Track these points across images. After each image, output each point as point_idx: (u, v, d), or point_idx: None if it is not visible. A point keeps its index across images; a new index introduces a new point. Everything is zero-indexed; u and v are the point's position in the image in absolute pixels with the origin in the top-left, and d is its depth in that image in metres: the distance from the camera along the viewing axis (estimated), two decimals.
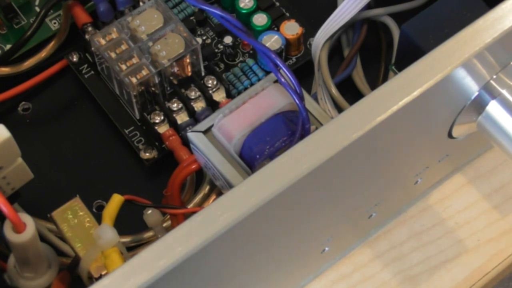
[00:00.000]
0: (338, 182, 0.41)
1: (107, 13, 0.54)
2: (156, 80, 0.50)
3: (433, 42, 0.46)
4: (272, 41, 0.53)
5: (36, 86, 0.54)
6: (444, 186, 0.52)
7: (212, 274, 0.40)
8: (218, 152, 0.45)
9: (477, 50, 0.40)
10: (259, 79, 0.53)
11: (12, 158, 0.44)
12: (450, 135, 0.46)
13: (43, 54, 0.54)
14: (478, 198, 0.52)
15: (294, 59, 0.54)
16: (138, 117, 0.52)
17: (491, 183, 0.52)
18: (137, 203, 0.46)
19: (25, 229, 0.41)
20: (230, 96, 0.52)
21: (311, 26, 0.55)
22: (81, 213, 0.45)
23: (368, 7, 0.54)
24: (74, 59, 0.55)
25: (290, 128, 0.45)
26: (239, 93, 0.52)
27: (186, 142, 0.50)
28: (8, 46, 0.55)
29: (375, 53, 0.55)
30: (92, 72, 0.54)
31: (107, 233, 0.42)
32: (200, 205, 0.50)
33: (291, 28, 0.54)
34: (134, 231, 0.50)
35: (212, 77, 0.52)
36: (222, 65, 0.54)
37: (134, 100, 0.51)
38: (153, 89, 0.51)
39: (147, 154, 0.51)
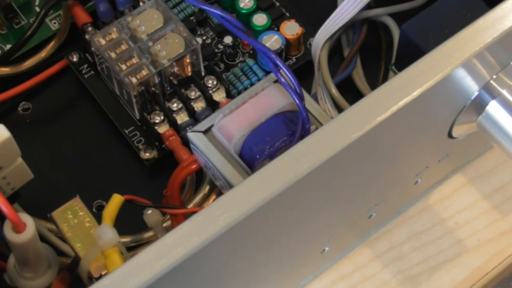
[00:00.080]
0: (338, 182, 0.41)
1: (107, 13, 0.54)
2: (156, 80, 0.50)
3: (433, 42, 0.46)
4: (272, 41, 0.53)
5: (36, 86, 0.54)
6: (444, 186, 0.52)
7: (212, 274, 0.40)
8: (218, 152, 0.45)
9: (477, 50, 0.40)
10: (259, 79, 0.53)
11: (12, 158, 0.44)
12: (450, 135, 0.46)
13: (43, 54, 0.54)
14: (478, 198, 0.52)
15: (294, 59, 0.54)
16: (138, 117, 0.52)
17: (491, 183, 0.52)
18: (137, 203, 0.46)
19: (25, 229, 0.41)
20: (230, 96, 0.52)
21: (311, 26, 0.55)
22: (81, 213, 0.45)
23: (368, 7, 0.54)
24: (74, 59, 0.55)
25: (290, 128, 0.45)
26: (239, 93, 0.52)
27: (186, 142, 0.50)
28: (8, 46, 0.55)
29: (375, 53, 0.55)
30: (92, 72, 0.54)
31: (107, 233, 0.42)
32: (200, 205, 0.50)
33: (291, 28, 0.54)
34: (134, 231, 0.50)
35: (212, 77, 0.52)
36: (222, 65, 0.54)
37: (134, 100, 0.51)
38: (153, 89, 0.51)
39: (147, 154, 0.51)
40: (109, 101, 0.53)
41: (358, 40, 0.54)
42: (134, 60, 0.50)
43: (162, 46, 0.50)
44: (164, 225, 0.49)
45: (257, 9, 0.55)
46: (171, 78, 0.51)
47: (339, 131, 0.38)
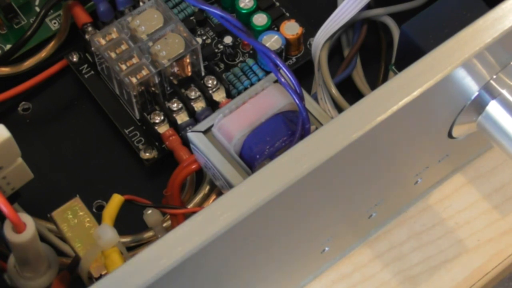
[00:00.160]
0: (338, 182, 0.41)
1: (107, 13, 0.54)
2: (156, 80, 0.50)
3: (433, 42, 0.46)
4: (272, 41, 0.53)
5: (36, 86, 0.54)
6: (444, 186, 0.52)
7: (212, 274, 0.40)
8: (218, 152, 0.45)
9: (477, 50, 0.40)
10: (259, 79, 0.53)
11: (12, 158, 0.44)
12: (450, 135, 0.46)
13: (43, 54, 0.54)
14: (478, 198, 0.52)
15: (294, 59, 0.54)
16: (138, 117, 0.52)
17: (491, 183, 0.52)
18: (137, 203, 0.46)
19: (25, 229, 0.41)
20: (230, 96, 0.52)
21: (311, 26, 0.55)
22: (81, 213, 0.45)
23: (368, 7, 0.54)
24: (74, 59, 0.55)
25: (290, 128, 0.45)
26: (239, 93, 0.52)
27: (186, 142, 0.50)
28: (8, 46, 0.55)
29: (375, 53, 0.55)
30: (92, 72, 0.54)
31: (107, 233, 0.42)
32: (200, 205, 0.50)
33: (291, 28, 0.54)
34: (134, 231, 0.50)
35: (212, 77, 0.52)
36: (222, 65, 0.54)
37: (134, 100, 0.51)
38: (153, 89, 0.51)
39: (147, 154, 0.51)
40: (109, 101, 0.53)
41: (358, 40, 0.54)
42: (134, 60, 0.50)
43: (162, 46, 0.50)
44: (164, 225, 0.49)
45: (257, 9, 0.55)
46: (171, 78, 0.51)
47: (339, 131, 0.38)
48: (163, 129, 0.51)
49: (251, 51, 0.54)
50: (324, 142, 0.38)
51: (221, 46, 0.54)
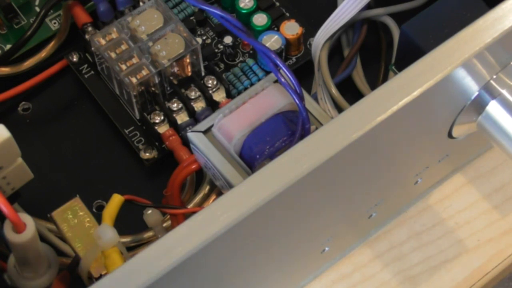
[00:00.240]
0: (338, 182, 0.41)
1: (107, 13, 0.54)
2: (156, 80, 0.50)
3: (433, 42, 0.46)
4: (272, 41, 0.53)
5: (36, 86, 0.54)
6: (444, 186, 0.52)
7: (212, 274, 0.40)
8: (218, 152, 0.45)
9: (477, 50, 0.40)
10: (259, 79, 0.53)
11: (12, 158, 0.44)
12: (450, 135, 0.46)
13: (43, 54, 0.54)
14: (478, 198, 0.52)
15: (294, 59, 0.54)
16: (138, 117, 0.52)
17: (491, 183, 0.52)
18: (137, 203, 0.46)
19: (25, 229, 0.41)
20: (230, 96, 0.52)
21: (311, 26, 0.55)
22: (81, 213, 0.45)
23: (368, 7, 0.54)
24: (74, 59, 0.55)
25: (290, 128, 0.45)
26: (239, 93, 0.52)
27: (186, 142, 0.50)
28: (8, 46, 0.55)
29: (375, 53, 0.55)
30: (92, 72, 0.54)
31: (107, 233, 0.42)
32: (200, 205, 0.50)
33: (291, 28, 0.54)
34: (134, 231, 0.50)
35: (212, 77, 0.52)
36: (222, 65, 0.54)
37: (134, 100, 0.51)
38: (153, 89, 0.51)
39: (147, 154, 0.51)
40: (109, 101, 0.53)
41: (358, 40, 0.54)
42: (134, 60, 0.50)
43: (162, 46, 0.50)
44: (164, 225, 0.49)
45: (257, 9, 0.55)
46: (171, 78, 0.51)
47: (339, 131, 0.38)
48: (163, 129, 0.51)
49: (251, 51, 0.54)
50: (324, 142, 0.38)
51: (221, 46, 0.54)
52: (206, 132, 0.46)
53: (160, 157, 0.51)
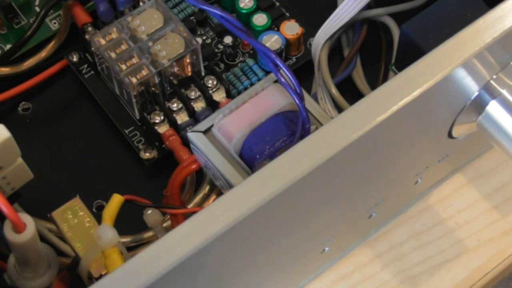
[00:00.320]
0: (338, 182, 0.41)
1: (107, 13, 0.54)
2: (156, 80, 0.50)
3: (433, 42, 0.46)
4: (272, 41, 0.53)
5: (36, 86, 0.54)
6: (444, 186, 0.52)
7: (212, 274, 0.40)
8: (218, 152, 0.45)
9: (477, 50, 0.40)
10: (259, 79, 0.53)
11: (12, 158, 0.44)
12: (450, 135, 0.46)
13: (43, 54, 0.54)
14: (478, 198, 0.52)
15: (294, 59, 0.54)
16: (138, 117, 0.52)
17: (491, 183, 0.52)
18: (137, 203, 0.46)
19: (25, 229, 0.41)
20: (230, 96, 0.52)
21: (311, 26, 0.55)
22: (81, 213, 0.45)
23: (368, 7, 0.54)
24: (74, 59, 0.55)
25: (290, 128, 0.45)
26: (239, 93, 0.52)
27: (186, 142, 0.50)
28: (8, 46, 0.55)
29: (375, 53, 0.55)
30: (92, 72, 0.54)
31: (107, 233, 0.42)
32: (200, 205, 0.50)
33: (291, 28, 0.54)
34: (134, 231, 0.50)
35: (212, 77, 0.52)
36: (222, 65, 0.54)
37: (134, 100, 0.51)
38: (153, 89, 0.51)
39: (147, 154, 0.51)
40: (109, 101, 0.53)
41: (358, 40, 0.54)
42: (134, 60, 0.50)
43: (162, 46, 0.50)
44: (164, 225, 0.49)
45: (257, 9, 0.55)
46: (171, 78, 0.51)
47: (339, 131, 0.38)
48: (163, 129, 0.51)
49: (251, 51, 0.54)
50: (324, 142, 0.38)
51: (221, 46, 0.54)
52: (206, 132, 0.46)
53: (160, 157, 0.51)
